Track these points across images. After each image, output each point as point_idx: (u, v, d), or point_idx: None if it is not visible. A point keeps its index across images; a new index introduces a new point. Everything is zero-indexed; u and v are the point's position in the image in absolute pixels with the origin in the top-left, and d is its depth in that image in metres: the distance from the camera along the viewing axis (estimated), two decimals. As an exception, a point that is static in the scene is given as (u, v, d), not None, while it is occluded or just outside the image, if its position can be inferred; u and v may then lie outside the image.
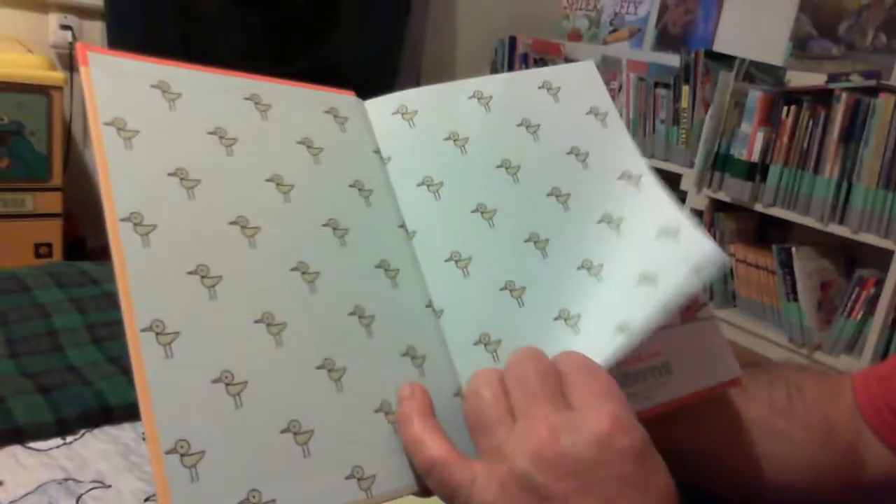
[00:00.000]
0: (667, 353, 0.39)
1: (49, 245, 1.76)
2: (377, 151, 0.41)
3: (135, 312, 0.29)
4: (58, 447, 0.54)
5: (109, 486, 0.50)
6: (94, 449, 0.54)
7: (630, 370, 0.38)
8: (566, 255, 0.38)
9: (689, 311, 0.41)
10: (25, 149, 1.66)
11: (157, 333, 0.30)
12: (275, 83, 0.40)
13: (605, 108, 0.43)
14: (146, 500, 0.50)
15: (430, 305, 0.37)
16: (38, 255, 1.74)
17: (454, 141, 0.41)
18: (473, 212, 0.39)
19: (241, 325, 0.32)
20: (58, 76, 1.74)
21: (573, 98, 0.43)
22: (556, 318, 0.37)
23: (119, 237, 0.31)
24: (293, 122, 0.39)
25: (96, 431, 0.56)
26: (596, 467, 0.29)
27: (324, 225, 0.36)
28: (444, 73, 2.63)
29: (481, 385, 0.32)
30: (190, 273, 0.31)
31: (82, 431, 0.56)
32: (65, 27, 1.98)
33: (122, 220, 0.31)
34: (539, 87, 0.43)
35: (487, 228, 0.38)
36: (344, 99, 0.42)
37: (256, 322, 0.32)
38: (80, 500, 0.48)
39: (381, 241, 0.38)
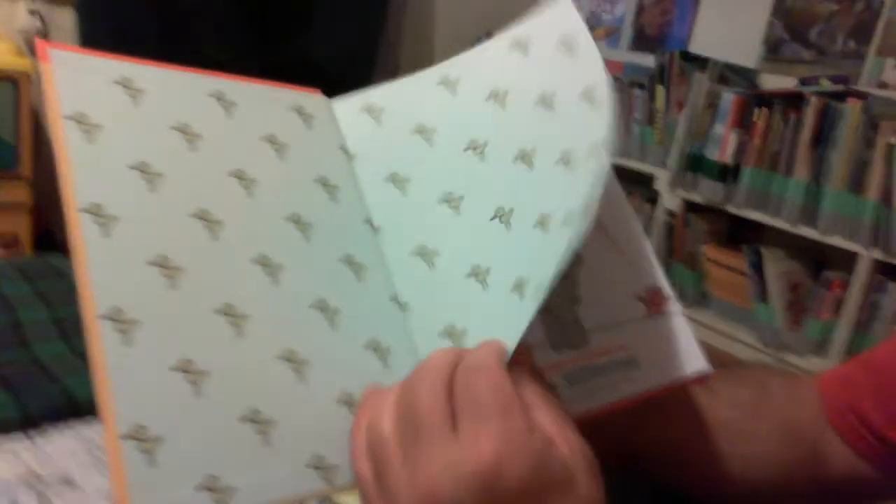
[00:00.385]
0: (632, 347, 0.39)
1: (16, 237, 1.72)
2: (343, 148, 0.41)
3: (93, 299, 0.30)
4: (21, 442, 0.53)
5: (74, 483, 0.49)
6: (60, 445, 0.53)
7: (595, 363, 0.38)
8: (530, 221, 0.36)
9: (655, 305, 0.41)
10: (-8, 137, 1.62)
11: (115, 321, 0.30)
12: (240, 81, 0.40)
13: (576, 38, 0.40)
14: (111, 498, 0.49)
15: (394, 299, 0.38)
16: (4, 247, 1.70)
17: (421, 133, 0.41)
18: (440, 202, 0.39)
19: (201, 315, 0.32)
20: (25, 63, 1.71)
21: (544, 43, 0.41)
22: (511, 291, 0.35)
23: (79, 227, 0.31)
24: (258, 119, 0.39)
25: (62, 427, 0.55)
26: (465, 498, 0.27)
27: (287, 219, 0.37)
28: (422, 68, 2.62)
29: (380, 417, 0.31)
30: (150, 263, 0.32)
31: (48, 427, 0.55)
32: (34, 13, 1.94)
33: (82, 210, 0.31)
34: (510, 48, 0.43)
35: (454, 217, 0.38)
36: (310, 97, 0.43)
37: (217, 312, 0.32)
38: (43, 498, 0.47)
39: (346, 236, 0.38)
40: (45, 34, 1.98)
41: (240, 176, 0.36)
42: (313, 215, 0.38)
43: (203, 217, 0.34)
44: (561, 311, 0.39)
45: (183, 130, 0.36)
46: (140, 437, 0.28)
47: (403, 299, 0.38)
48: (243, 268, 0.34)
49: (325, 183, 0.39)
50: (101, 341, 0.29)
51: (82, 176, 0.32)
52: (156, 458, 0.28)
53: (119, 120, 0.34)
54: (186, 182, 0.35)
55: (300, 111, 0.41)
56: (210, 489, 0.29)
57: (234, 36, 1.95)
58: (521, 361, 0.32)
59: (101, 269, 0.31)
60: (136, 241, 0.32)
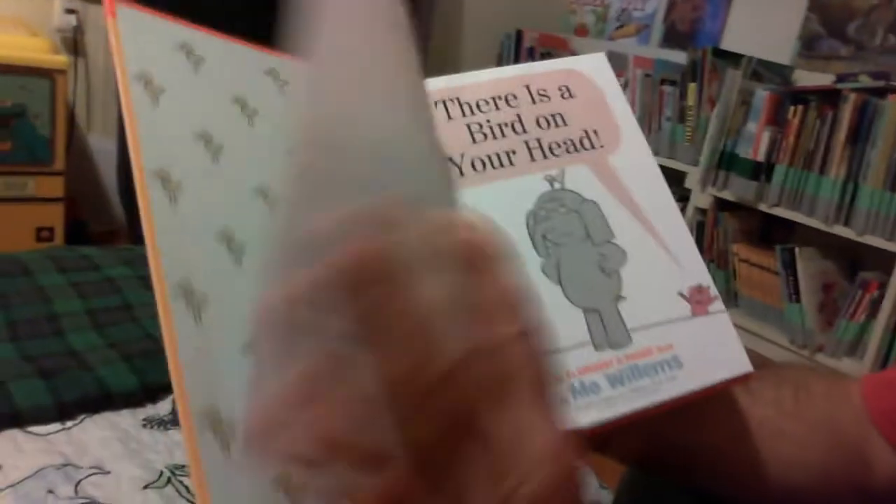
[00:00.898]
0: (677, 347, 0.39)
1: (51, 229, 1.75)
2: None
3: (163, 270, 0.29)
4: (57, 432, 0.53)
5: (108, 473, 0.50)
6: (94, 435, 0.54)
7: (638, 364, 0.38)
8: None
9: (699, 305, 0.40)
10: (28, 132, 1.65)
11: (186, 294, 0.30)
12: (291, 59, 0.40)
13: None
14: (144, 487, 0.49)
15: None
16: (39, 240, 1.74)
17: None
18: None
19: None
20: (62, 60, 1.73)
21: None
22: None
23: (147, 190, 0.31)
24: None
25: (96, 417, 0.56)
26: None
27: None
28: (449, 66, 2.62)
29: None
30: (217, 238, 0.32)
31: (82, 417, 0.55)
32: (70, 11, 1.97)
33: (151, 173, 0.31)
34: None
35: None
36: None
37: None
38: (78, 486, 0.48)
39: None
40: (80, 31, 2.01)
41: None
42: None
43: (263, 194, 0.34)
44: (605, 309, 0.38)
45: (241, 104, 0.36)
46: (215, 423, 0.28)
47: None
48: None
49: None
50: (173, 319, 0.29)
51: (150, 138, 0.32)
52: (230, 443, 0.28)
53: (182, 86, 0.34)
54: (246, 157, 0.35)
55: None
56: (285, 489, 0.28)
57: (262, 36, 1.96)
58: None
59: (170, 237, 0.30)
60: (202, 212, 0.32)
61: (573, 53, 2.61)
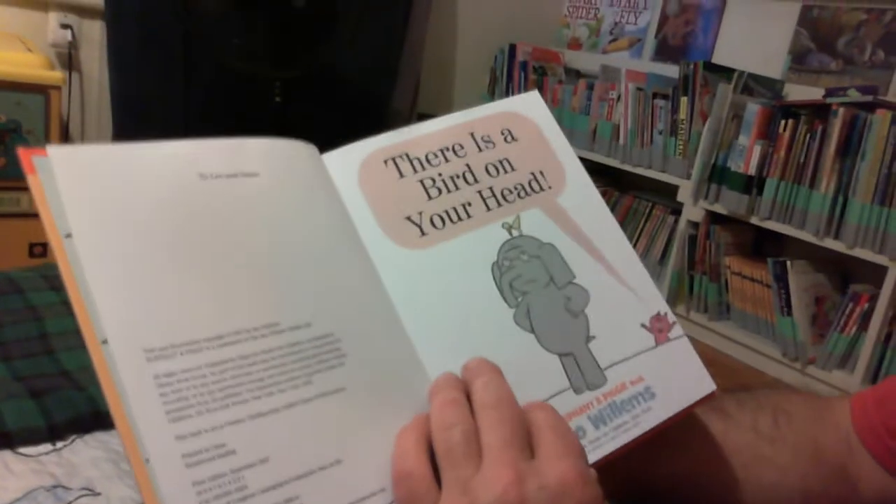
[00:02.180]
0: (647, 378, 0.40)
1: (44, 245, 1.75)
2: None
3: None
4: (48, 453, 0.53)
5: (99, 494, 0.50)
6: (85, 455, 0.54)
7: (615, 400, 0.38)
8: None
9: (661, 333, 0.41)
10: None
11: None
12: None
13: None
14: (136, 509, 0.49)
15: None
16: (32, 255, 1.73)
17: None
18: None
19: None
20: (56, 76, 1.74)
21: None
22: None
23: (103, 360, 0.30)
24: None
25: (87, 437, 0.56)
26: None
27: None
28: (444, 80, 2.64)
29: (454, 420, 0.33)
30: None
31: (73, 437, 0.55)
32: (65, 26, 1.98)
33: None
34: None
35: None
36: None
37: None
38: (68, 508, 0.48)
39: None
40: (75, 46, 2.02)
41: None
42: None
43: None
44: (578, 352, 0.39)
45: (183, 232, 0.34)
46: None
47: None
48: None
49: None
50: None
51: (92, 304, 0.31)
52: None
53: (116, 226, 0.33)
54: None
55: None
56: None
57: (257, 48, 1.97)
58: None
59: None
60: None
61: (567, 67, 2.62)
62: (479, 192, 0.42)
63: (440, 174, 0.42)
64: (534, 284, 0.40)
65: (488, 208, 0.42)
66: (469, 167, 0.43)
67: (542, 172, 0.44)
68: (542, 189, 0.43)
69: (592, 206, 0.44)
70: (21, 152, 0.33)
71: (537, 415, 0.34)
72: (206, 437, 0.30)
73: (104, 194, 0.33)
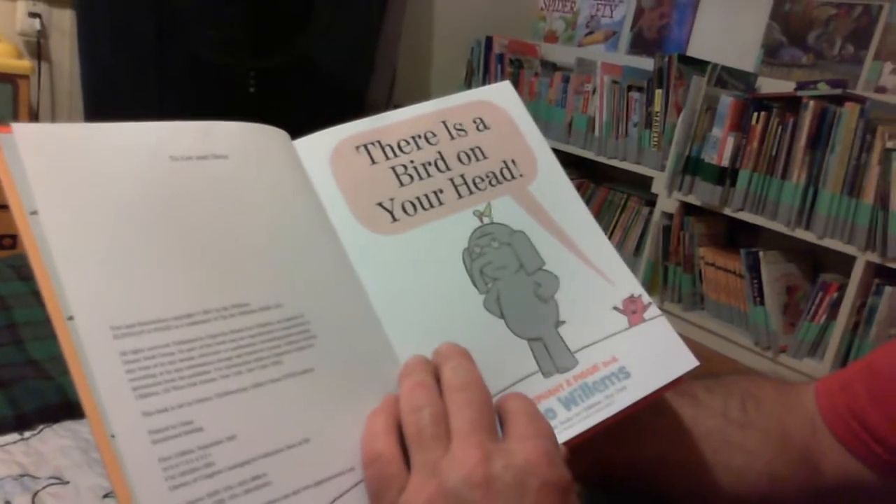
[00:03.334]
0: (622, 358, 0.40)
1: (13, 237, 1.72)
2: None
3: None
4: (15, 442, 0.53)
5: (67, 483, 0.50)
6: (53, 444, 0.53)
7: (587, 381, 0.39)
8: None
9: (635, 315, 0.42)
10: (-10, 138, 1.63)
11: None
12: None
13: None
14: (104, 496, 0.49)
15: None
16: (1, 247, 1.71)
17: None
18: None
19: None
20: (25, 64, 1.71)
21: None
22: None
23: (69, 337, 0.30)
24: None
25: (56, 427, 0.55)
26: (522, 493, 0.30)
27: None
28: (421, 71, 2.63)
29: (422, 403, 0.33)
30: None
31: (41, 427, 0.55)
32: (33, 15, 1.94)
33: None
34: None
35: None
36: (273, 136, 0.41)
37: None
38: (36, 497, 0.48)
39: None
40: (44, 35, 1.98)
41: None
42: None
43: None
44: (547, 336, 0.40)
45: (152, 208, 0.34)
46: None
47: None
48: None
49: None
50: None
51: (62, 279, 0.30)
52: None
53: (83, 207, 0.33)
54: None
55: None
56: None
57: (232, 37, 1.95)
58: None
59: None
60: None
61: (543, 60, 2.63)
62: (451, 179, 0.42)
63: (412, 161, 0.42)
64: (504, 271, 0.40)
65: (460, 196, 0.42)
66: (441, 155, 0.43)
67: (513, 161, 0.44)
68: (513, 177, 0.44)
69: (563, 193, 0.45)
70: None
71: (509, 402, 0.35)
72: (173, 414, 0.30)
73: (71, 172, 0.33)
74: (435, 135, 0.43)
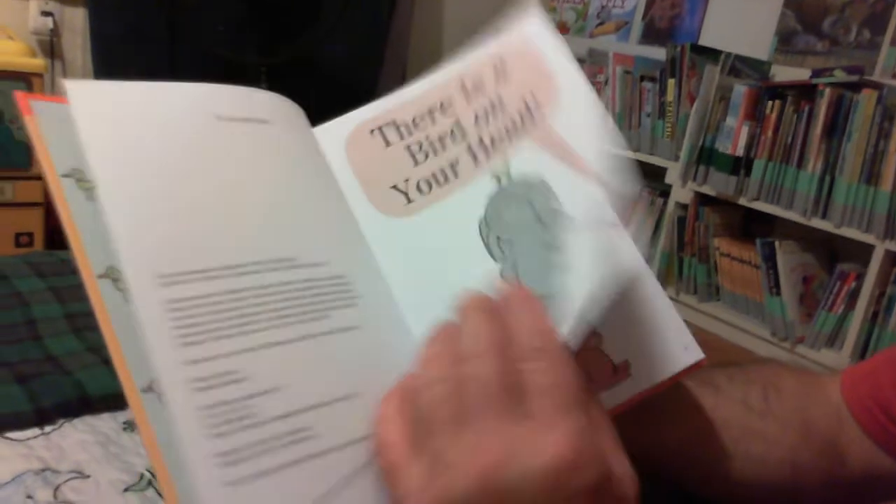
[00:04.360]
0: (620, 353, 0.38)
1: (30, 234, 1.74)
2: None
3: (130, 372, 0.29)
4: (35, 437, 0.53)
5: (88, 477, 0.50)
6: (73, 439, 0.54)
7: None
8: None
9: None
10: (5, 136, 1.64)
11: None
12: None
13: None
14: (125, 490, 0.49)
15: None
16: (18, 245, 1.72)
17: None
18: None
19: None
20: (38, 63, 1.72)
21: None
22: None
23: (98, 291, 0.30)
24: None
25: (75, 421, 0.55)
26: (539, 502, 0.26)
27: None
28: (431, 66, 2.62)
29: (435, 377, 0.29)
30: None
31: (61, 421, 0.55)
32: (46, 13, 1.95)
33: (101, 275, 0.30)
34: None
35: None
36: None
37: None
38: (57, 491, 0.48)
39: None
40: (57, 34, 1.99)
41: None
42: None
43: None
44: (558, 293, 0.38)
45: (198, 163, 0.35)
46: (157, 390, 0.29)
47: None
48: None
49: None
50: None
51: (94, 239, 0.31)
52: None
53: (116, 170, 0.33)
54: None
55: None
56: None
57: (241, 35, 1.96)
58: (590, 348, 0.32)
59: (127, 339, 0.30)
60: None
61: (554, 51, 2.61)
62: (469, 146, 0.40)
63: (427, 136, 0.41)
64: (520, 233, 0.38)
65: (476, 162, 0.40)
66: (458, 122, 0.41)
67: (532, 94, 0.40)
68: (532, 116, 0.40)
69: (585, 114, 0.40)
70: (18, 95, 0.33)
71: (529, 371, 0.29)
72: (217, 363, 0.29)
73: (121, 130, 0.33)
74: (452, 103, 0.42)
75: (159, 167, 0.33)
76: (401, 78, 2.41)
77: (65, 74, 2.04)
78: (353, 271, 0.36)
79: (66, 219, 0.31)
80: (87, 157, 0.32)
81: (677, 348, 0.39)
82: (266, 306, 0.31)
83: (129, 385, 0.28)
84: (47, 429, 0.54)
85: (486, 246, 0.38)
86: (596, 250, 0.34)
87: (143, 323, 0.29)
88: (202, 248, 0.32)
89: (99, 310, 0.29)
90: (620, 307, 0.39)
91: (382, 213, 0.39)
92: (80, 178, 0.32)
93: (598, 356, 0.38)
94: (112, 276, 0.30)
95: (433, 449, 0.28)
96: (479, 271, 0.37)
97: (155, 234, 0.31)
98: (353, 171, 0.40)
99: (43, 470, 0.49)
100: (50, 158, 0.32)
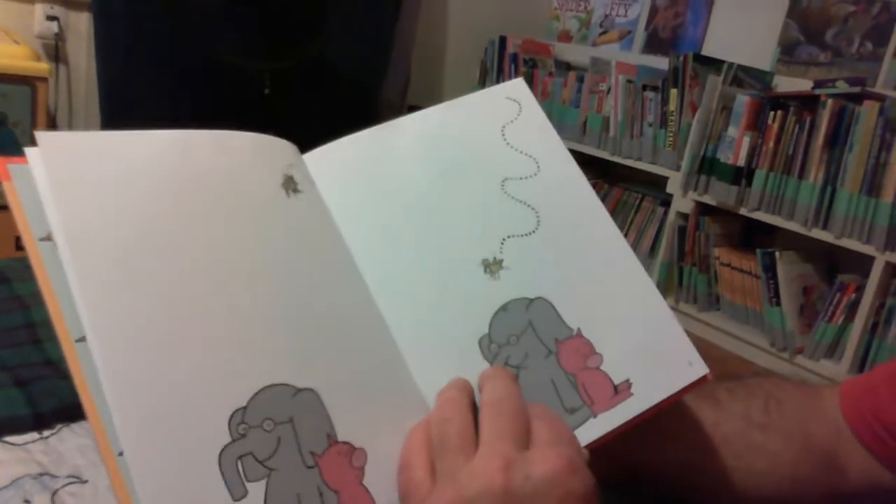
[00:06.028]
0: (623, 373, 0.38)
1: (31, 237, 1.74)
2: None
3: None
4: (34, 441, 0.53)
5: (86, 482, 0.50)
6: (71, 444, 0.54)
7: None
8: None
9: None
10: (9, 140, 1.64)
11: None
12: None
13: None
14: None
15: None
16: (19, 248, 1.72)
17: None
18: None
19: None
20: (43, 67, 1.73)
21: None
22: None
23: (76, 357, 0.30)
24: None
25: (74, 426, 0.56)
26: (541, 503, 0.30)
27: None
28: (435, 72, 2.63)
29: (450, 415, 0.34)
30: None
31: (59, 426, 0.55)
32: (51, 18, 1.96)
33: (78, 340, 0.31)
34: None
35: None
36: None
37: None
38: (55, 496, 0.48)
39: None
40: (62, 38, 2.00)
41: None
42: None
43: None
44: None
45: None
46: None
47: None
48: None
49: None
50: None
51: (72, 303, 0.30)
52: None
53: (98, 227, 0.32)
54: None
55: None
56: None
57: (246, 38, 1.96)
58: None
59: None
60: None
61: (557, 59, 2.62)
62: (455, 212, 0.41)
63: (414, 186, 0.41)
64: (528, 359, 0.38)
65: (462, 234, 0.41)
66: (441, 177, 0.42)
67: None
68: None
69: (570, 191, 0.43)
70: None
71: (529, 409, 0.35)
72: None
73: (87, 191, 0.32)
74: (442, 147, 0.43)
75: (133, 231, 0.32)
76: (405, 82, 2.41)
77: (69, 78, 2.04)
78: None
79: (44, 283, 0.31)
80: (49, 221, 0.31)
81: (681, 364, 0.39)
82: None
83: (106, 450, 0.29)
84: (46, 433, 0.54)
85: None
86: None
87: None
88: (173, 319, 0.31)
89: (76, 373, 0.30)
90: (620, 327, 0.39)
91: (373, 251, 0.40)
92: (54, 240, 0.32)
93: (598, 377, 0.38)
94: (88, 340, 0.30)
95: (447, 469, 0.32)
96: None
97: (125, 302, 0.31)
98: (343, 203, 0.40)
99: (41, 474, 0.50)
100: (27, 223, 0.32)
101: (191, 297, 0.32)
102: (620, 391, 0.38)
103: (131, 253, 0.32)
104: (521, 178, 0.42)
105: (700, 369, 0.39)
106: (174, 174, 0.35)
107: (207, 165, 0.36)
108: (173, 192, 0.34)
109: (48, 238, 0.31)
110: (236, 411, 0.30)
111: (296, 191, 0.38)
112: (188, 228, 0.34)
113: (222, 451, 0.30)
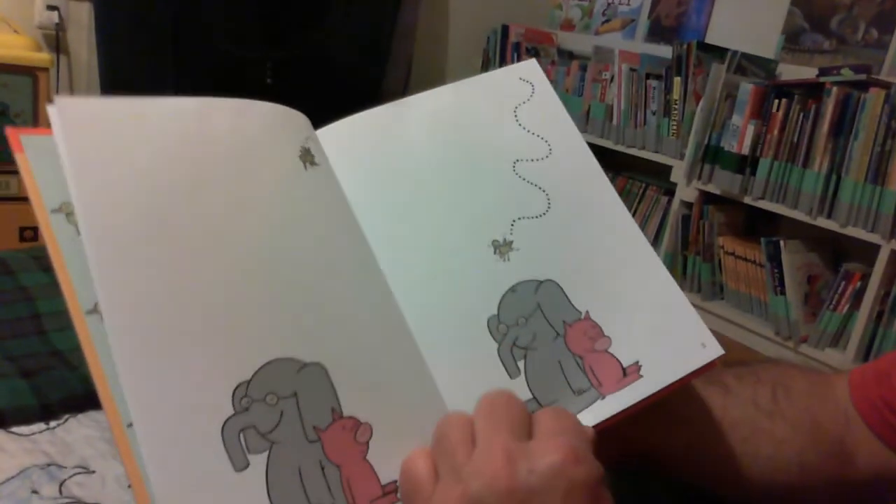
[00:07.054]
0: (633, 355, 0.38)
1: (34, 229, 1.74)
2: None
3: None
4: (41, 432, 0.53)
5: (93, 472, 0.50)
6: (78, 434, 0.54)
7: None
8: None
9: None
10: (10, 131, 1.64)
11: None
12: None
13: None
14: (129, 485, 0.49)
15: None
16: (23, 239, 1.73)
17: None
18: None
19: None
20: (44, 57, 1.72)
21: None
22: None
23: (86, 327, 0.30)
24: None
25: (81, 416, 0.56)
26: (547, 496, 0.29)
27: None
28: (437, 60, 2.62)
29: (451, 417, 0.33)
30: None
31: (66, 416, 0.55)
32: (51, 7, 1.95)
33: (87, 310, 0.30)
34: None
35: None
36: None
37: None
38: (63, 486, 0.48)
39: None
40: (63, 28, 1.99)
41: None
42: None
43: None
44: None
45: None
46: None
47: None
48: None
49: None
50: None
51: (83, 275, 0.30)
52: None
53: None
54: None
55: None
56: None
57: (248, 29, 1.95)
58: None
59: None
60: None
61: (559, 48, 2.61)
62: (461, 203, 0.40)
63: (426, 163, 0.41)
64: (536, 341, 0.38)
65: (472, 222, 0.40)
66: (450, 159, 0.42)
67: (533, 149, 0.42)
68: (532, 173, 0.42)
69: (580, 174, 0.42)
70: (9, 131, 0.33)
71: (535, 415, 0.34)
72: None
73: (108, 157, 0.32)
74: (454, 126, 0.42)
75: (148, 199, 0.32)
76: (407, 70, 2.40)
77: (70, 69, 2.04)
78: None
79: (54, 254, 0.31)
80: (70, 188, 0.31)
81: (693, 347, 0.38)
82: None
83: (115, 421, 0.29)
84: (52, 424, 0.54)
85: (500, 357, 0.38)
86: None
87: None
88: (188, 287, 0.31)
89: (86, 345, 0.30)
90: (630, 310, 0.39)
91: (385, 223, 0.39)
92: (70, 213, 0.32)
93: (605, 359, 0.38)
94: (100, 311, 0.30)
95: (450, 466, 0.31)
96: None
97: (138, 272, 0.30)
98: (355, 177, 0.39)
99: (48, 465, 0.50)
100: (39, 193, 0.32)
101: (204, 267, 0.32)
102: (629, 373, 0.37)
103: (148, 220, 0.31)
104: (532, 160, 0.42)
105: (713, 351, 0.38)
106: (194, 139, 0.34)
107: (227, 131, 0.36)
108: (193, 157, 0.34)
109: (60, 209, 0.31)
110: (240, 384, 0.30)
111: (313, 163, 0.38)
112: (206, 195, 0.33)
113: (225, 423, 0.30)
